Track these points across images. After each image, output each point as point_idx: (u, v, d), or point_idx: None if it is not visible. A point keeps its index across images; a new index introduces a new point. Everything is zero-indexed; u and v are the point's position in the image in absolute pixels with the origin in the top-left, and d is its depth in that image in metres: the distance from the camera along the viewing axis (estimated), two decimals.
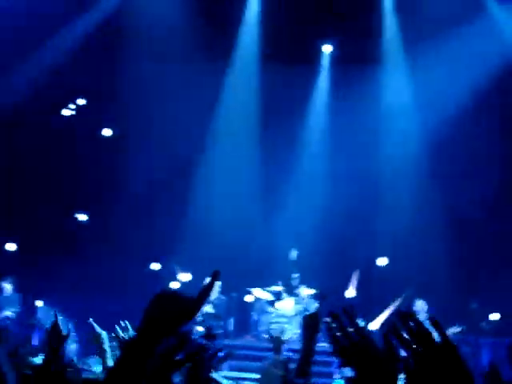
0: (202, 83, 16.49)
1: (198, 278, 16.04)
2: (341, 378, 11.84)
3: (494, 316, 15.77)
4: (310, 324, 4.32)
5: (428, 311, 13.36)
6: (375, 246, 16.77)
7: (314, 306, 15.14)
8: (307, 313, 12.99)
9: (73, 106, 16.85)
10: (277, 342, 5.91)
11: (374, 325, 15.40)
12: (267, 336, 14.73)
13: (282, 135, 17.21)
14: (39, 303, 15.05)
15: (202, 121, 17.34)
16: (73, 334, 14.57)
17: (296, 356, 4.55)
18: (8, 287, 13.90)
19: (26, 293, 14.50)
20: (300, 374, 4.25)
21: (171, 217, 16.92)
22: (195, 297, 2.40)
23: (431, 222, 16.74)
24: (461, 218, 16.73)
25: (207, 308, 13.52)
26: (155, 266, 16.56)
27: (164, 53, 16.35)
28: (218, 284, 13.27)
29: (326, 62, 17.99)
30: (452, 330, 13.05)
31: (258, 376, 13.33)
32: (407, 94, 17.14)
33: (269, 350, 14.37)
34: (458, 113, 16.31)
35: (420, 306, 13.39)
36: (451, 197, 16.80)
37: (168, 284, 16.11)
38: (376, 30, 16.91)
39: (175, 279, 16.31)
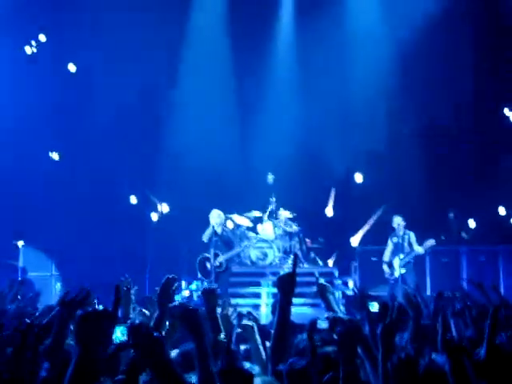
0: (169, 7, 16.20)
1: (176, 208, 16.08)
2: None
3: (471, 224, 16.01)
4: (286, 284, 4.32)
5: (405, 226, 13.51)
6: (351, 164, 16.82)
7: (292, 228, 15.27)
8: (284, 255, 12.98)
9: (34, 43, 16.39)
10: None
11: (354, 240, 15.62)
12: (249, 262, 14.93)
13: (253, 58, 17.01)
14: (20, 243, 15.03)
15: (171, 46, 17.03)
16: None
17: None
18: None
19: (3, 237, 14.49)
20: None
21: (145, 147, 16.81)
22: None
23: (406, 135, 16.77)
24: (436, 128, 16.77)
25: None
26: (133, 200, 16.50)
27: None
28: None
29: None
30: (428, 243, 13.26)
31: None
32: (376, 9, 16.91)
33: (255, 274, 14.65)
34: (428, 22, 16.14)
35: (397, 222, 13.52)
36: (425, 109, 16.81)
37: (148, 216, 16.14)
38: None
39: (154, 210, 16.31)
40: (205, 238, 13.30)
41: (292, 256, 14.15)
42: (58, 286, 14.91)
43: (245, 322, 5.32)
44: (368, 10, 17.00)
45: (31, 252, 15.07)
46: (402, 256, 13.26)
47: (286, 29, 17.79)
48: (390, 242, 13.59)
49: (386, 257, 13.55)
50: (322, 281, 5.30)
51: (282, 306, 4.42)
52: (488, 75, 16.39)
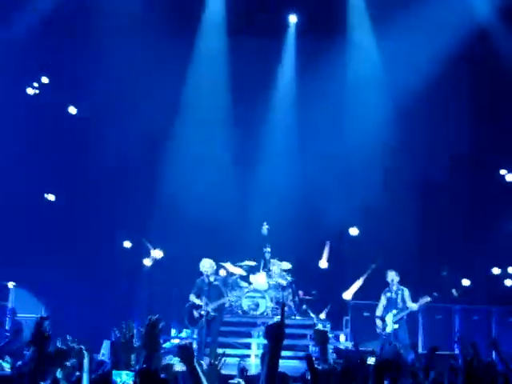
0: (169, 57, 16.31)
1: (170, 254, 16.01)
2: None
3: (465, 282, 15.98)
4: (274, 334, 4.22)
5: (399, 282, 13.47)
6: (346, 218, 16.82)
7: (286, 279, 15.21)
8: (279, 294, 13.00)
9: (36, 85, 16.50)
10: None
11: (347, 295, 15.53)
12: (240, 311, 14.83)
13: (251, 108, 17.13)
14: (10, 284, 14.92)
15: (171, 95, 17.15)
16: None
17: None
18: None
19: None
20: None
21: (143, 193, 16.82)
22: None
23: (401, 191, 16.82)
24: (430, 187, 16.85)
25: None
26: (127, 244, 16.44)
27: (128, 27, 16.09)
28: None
29: (292, 33, 17.77)
30: (422, 300, 13.20)
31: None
32: (374, 65, 17.10)
33: (246, 324, 14.55)
34: (425, 82, 16.32)
35: (392, 277, 13.48)
36: (421, 165, 16.90)
37: (141, 261, 16.06)
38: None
39: (148, 256, 16.23)
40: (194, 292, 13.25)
41: (280, 304, 14.09)
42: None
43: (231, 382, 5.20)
44: (367, 67, 17.19)
45: (22, 293, 14.96)
46: (395, 311, 13.19)
47: (286, 85, 17.92)
48: (383, 297, 13.52)
49: (379, 311, 13.47)
50: (320, 326, 5.21)
51: (270, 356, 4.24)
52: (486, 133, 16.51)
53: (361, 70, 17.21)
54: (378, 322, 13.34)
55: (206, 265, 13.20)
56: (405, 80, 16.35)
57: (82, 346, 5.64)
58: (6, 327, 14.36)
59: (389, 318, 13.21)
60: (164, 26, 15.97)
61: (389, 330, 13.14)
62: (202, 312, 12.94)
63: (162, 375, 3.13)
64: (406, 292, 13.41)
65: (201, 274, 13.31)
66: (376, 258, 15.67)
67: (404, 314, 13.23)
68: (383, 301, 13.50)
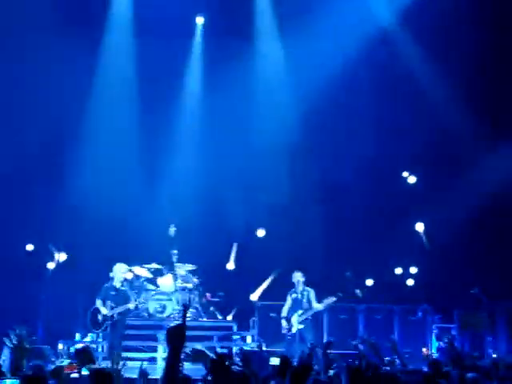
0: (74, 56, 16.05)
1: (74, 257, 15.75)
2: None
3: (368, 282, 16.32)
4: (175, 336, 4.19)
5: (304, 282, 13.62)
6: (252, 219, 16.93)
7: (193, 282, 15.18)
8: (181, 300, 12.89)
9: None
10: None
11: (254, 296, 15.62)
12: (147, 314, 14.71)
13: (159, 108, 17.03)
14: None
15: (77, 94, 16.83)
16: None
17: None
18: None
19: None
20: None
21: (45, 195, 16.46)
22: None
23: (306, 192, 17.05)
24: (335, 188, 17.10)
25: None
26: (30, 247, 16.07)
27: (35, 26, 15.77)
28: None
29: (199, 34, 17.76)
30: (327, 301, 13.39)
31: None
32: (281, 67, 17.29)
33: (153, 327, 14.42)
34: (330, 84, 16.59)
35: (297, 278, 13.62)
36: (326, 167, 17.14)
37: (45, 264, 15.73)
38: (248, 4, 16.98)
39: (52, 259, 15.90)
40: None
41: (183, 306, 13.99)
42: None
43: None
44: (274, 69, 17.37)
45: None
46: (300, 312, 13.32)
47: (193, 85, 17.87)
48: (288, 298, 13.63)
49: (285, 312, 13.57)
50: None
51: (169, 360, 4.19)
52: (389, 135, 16.89)
53: (268, 72, 17.40)
54: (284, 323, 13.45)
55: (122, 269, 13.10)
56: (310, 82, 16.61)
57: None
58: None
59: (294, 319, 13.33)
60: (69, 26, 15.72)
61: (294, 330, 13.27)
62: (107, 315, 12.77)
63: (51, 381, 3.07)
64: (312, 293, 13.56)
65: (109, 278, 13.17)
66: (282, 260, 15.84)
67: (309, 314, 13.38)
68: (289, 301, 13.61)
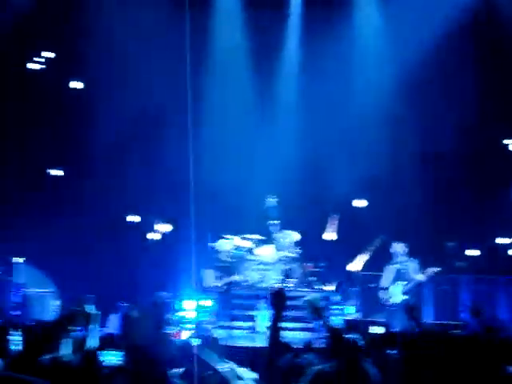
0: (176, 30, 16.16)
1: (178, 227, 16.03)
2: None
3: (472, 252, 15.98)
4: (276, 301, 4.25)
5: (406, 253, 13.45)
6: (353, 189, 16.82)
7: (294, 252, 15.20)
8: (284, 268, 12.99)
9: (39, 59, 16.45)
10: None
11: (354, 266, 15.53)
12: (248, 284, 14.85)
13: (258, 82, 17.07)
14: (15, 259, 14.98)
15: (175, 68, 17.02)
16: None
17: None
18: None
19: (2, 254, 14.41)
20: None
21: (147, 166, 16.81)
22: None
23: (407, 162, 16.79)
24: (436, 157, 16.77)
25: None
26: (134, 218, 16.48)
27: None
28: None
29: (297, 4, 17.61)
30: (429, 271, 13.19)
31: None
32: (380, 36, 16.99)
33: (254, 297, 14.59)
34: (430, 53, 16.21)
35: (398, 249, 13.46)
36: (427, 135, 16.83)
37: (147, 235, 16.10)
38: None
39: (154, 230, 16.27)
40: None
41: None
42: (56, 303, 14.85)
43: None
44: (372, 37, 17.08)
45: (30, 269, 15.04)
46: (403, 282, 13.18)
47: (291, 56, 17.77)
48: (389, 268, 13.51)
49: (385, 283, 13.46)
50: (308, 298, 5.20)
51: (273, 321, 4.39)
52: (492, 101, 16.41)
53: (367, 42, 17.12)
54: (383, 294, 13.34)
55: (223, 245, 13.42)
56: (410, 51, 16.26)
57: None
58: (13, 302, 14.46)
59: (395, 289, 13.21)
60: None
61: (396, 300, 13.14)
62: (219, 284, 13.12)
63: None
64: (413, 263, 13.39)
65: (212, 249, 13.48)
66: (382, 230, 15.70)
67: (411, 285, 13.23)
68: (389, 272, 13.49)
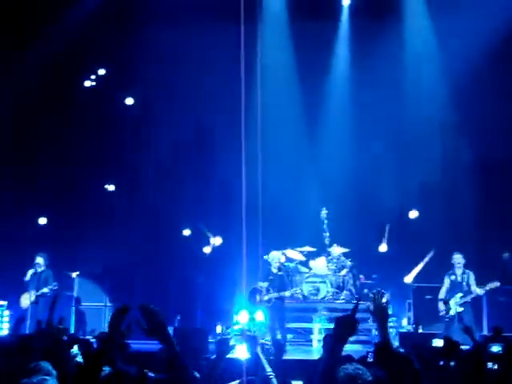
0: (226, 45, 16.28)
1: (229, 241, 16.06)
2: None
3: None
4: (343, 328, 4.12)
5: (464, 265, 13.26)
6: (404, 200, 16.66)
7: (346, 263, 15.13)
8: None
9: (93, 77, 16.73)
10: None
11: (408, 278, 15.37)
12: (301, 296, 14.80)
13: (306, 93, 17.05)
14: (74, 274, 15.18)
15: (226, 82, 17.12)
16: None
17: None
18: (41, 262, 13.91)
19: (59, 268, 14.61)
20: None
21: (198, 181, 16.92)
22: None
23: (459, 171, 16.54)
24: (489, 166, 16.49)
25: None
26: (186, 232, 16.59)
27: (183, 16, 16.11)
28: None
29: (345, 14, 17.55)
30: (490, 286, 12.95)
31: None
32: (430, 42, 16.81)
33: (307, 309, 14.57)
34: (482, 58, 15.98)
35: (457, 260, 13.25)
36: (479, 144, 16.57)
37: (201, 249, 16.17)
38: None
39: (207, 243, 16.33)
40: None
41: (355, 298, 13.91)
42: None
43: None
44: (422, 44, 16.92)
45: (85, 283, 15.22)
46: (460, 295, 12.99)
47: (342, 64, 17.71)
48: (446, 280, 13.31)
49: (442, 294, 13.27)
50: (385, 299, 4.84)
51: (332, 347, 4.15)
52: None
53: (416, 47, 16.93)
54: (441, 305, 13.15)
55: (277, 257, 13.38)
56: (462, 57, 16.04)
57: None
58: (72, 317, 14.65)
59: (453, 301, 13.02)
60: (219, 12, 15.94)
61: (452, 312, 12.96)
62: (267, 298, 13.04)
63: None
64: (472, 275, 13.16)
65: (268, 263, 13.44)
66: (436, 241, 15.51)
67: (469, 297, 13.03)
68: (446, 283, 13.30)
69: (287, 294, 13.14)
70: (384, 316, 4.37)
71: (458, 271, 13.25)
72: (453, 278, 13.23)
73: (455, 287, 13.11)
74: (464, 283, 13.09)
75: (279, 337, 12.38)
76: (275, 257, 13.37)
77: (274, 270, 13.27)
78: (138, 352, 10.58)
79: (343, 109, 17.35)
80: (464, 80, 16.23)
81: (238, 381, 5.17)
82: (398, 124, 16.63)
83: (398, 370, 3.47)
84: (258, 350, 4.69)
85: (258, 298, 13.01)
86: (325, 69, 17.46)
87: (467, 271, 13.20)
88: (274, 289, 13.13)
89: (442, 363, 6.13)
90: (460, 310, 12.92)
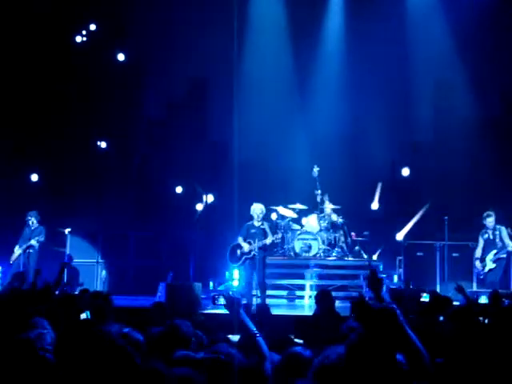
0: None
1: (221, 198, 16.08)
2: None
3: None
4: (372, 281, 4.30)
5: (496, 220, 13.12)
6: (397, 157, 16.68)
7: (338, 220, 15.19)
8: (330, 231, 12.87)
9: (84, 32, 16.56)
10: None
11: (400, 235, 15.45)
12: (293, 253, 14.88)
13: (300, 51, 16.95)
14: (67, 231, 15.20)
15: (221, 40, 16.97)
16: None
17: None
18: (33, 220, 14.04)
19: (51, 224, 14.63)
20: None
21: (190, 138, 16.87)
22: None
23: (452, 129, 16.51)
24: (481, 122, 16.43)
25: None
26: (179, 190, 16.58)
27: None
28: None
29: None
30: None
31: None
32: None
33: (299, 266, 14.63)
34: (479, 18, 15.83)
35: (490, 223, 13.12)
36: (472, 102, 16.53)
37: (194, 206, 16.17)
38: None
39: (200, 201, 16.34)
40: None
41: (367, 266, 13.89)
42: (104, 273, 15.09)
43: None
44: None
45: (77, 240, 15.26)
46: (494, 251, 12.89)
47: (334, 18, 17.55)
48: (480, 239, 13.14)
49: (478, 253, 13.15)
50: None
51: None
52: None
53: (420, 6, 16.78)
54: (478, 264, 13.06)
55: (257, 210, 13.05)
56: (458, 13, 15.93)
57: None
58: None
59: (488, 258, 12.98)
60: None
61: (486, 269, 12.94)
62: (247, 249, 12.75)
63: None
64: (504, 231, 13.04)
65: (251, 217, 13.21)
66: (428, 198, 15.55)
67: (503, 253, 12.93)
68: (481, 242, 13.15)
69: (267, 241, 12.79)
70: (379, 288, 4.57)
71: (490, 230, 13.11)
72: (485, 236, 13.09)
73: (490, 245, 13.03)
74: (497, 240, 13.00)
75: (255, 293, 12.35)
76: (257, 208, 13.00)
77: (256, 223, 12.93)
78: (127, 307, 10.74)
79: (336, 66, 17.26)
80: (459, 38, 16.14)
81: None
82: (392, 79, 16.52)
83: (377, 324, 3.52)
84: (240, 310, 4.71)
85: (238, 252, 12.79)
86: (318, 24, 17.34)
87: (498, 227, 13.06)
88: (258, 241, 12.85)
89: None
90: (493, 266, 12.88)
